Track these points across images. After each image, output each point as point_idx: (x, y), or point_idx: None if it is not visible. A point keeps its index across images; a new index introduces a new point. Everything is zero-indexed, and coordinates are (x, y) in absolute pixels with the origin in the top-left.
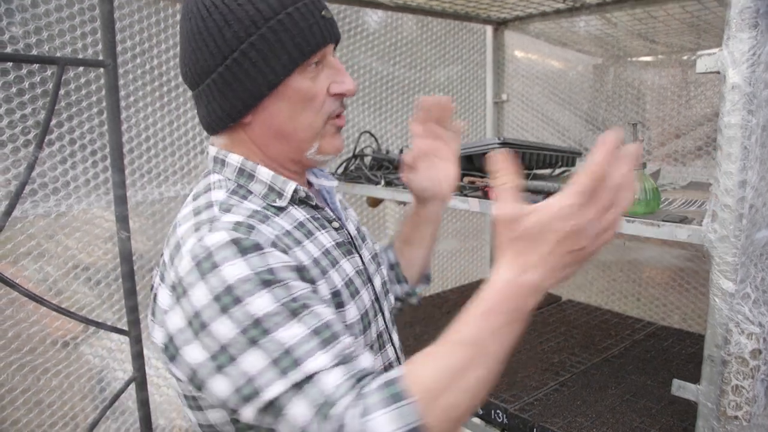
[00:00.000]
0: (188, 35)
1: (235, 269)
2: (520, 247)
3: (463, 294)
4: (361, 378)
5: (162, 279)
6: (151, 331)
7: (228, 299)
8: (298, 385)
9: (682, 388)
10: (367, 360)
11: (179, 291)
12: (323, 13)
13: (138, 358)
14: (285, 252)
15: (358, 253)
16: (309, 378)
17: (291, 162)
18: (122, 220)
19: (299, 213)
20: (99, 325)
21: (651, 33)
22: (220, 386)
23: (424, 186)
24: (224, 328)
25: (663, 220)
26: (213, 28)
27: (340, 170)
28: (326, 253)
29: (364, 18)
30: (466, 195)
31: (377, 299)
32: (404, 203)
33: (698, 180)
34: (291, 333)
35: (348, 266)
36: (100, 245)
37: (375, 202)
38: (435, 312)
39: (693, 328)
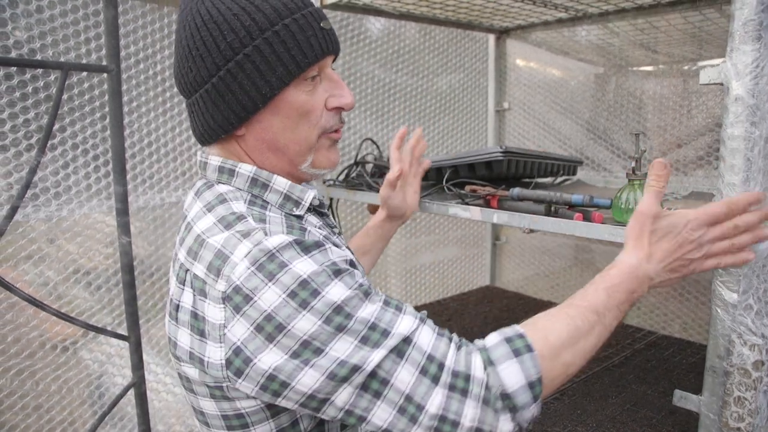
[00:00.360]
0: (183, 44)
1: (304, 265)
2: (650, 239)
3: (464, 302)
4: (446, 334)
5: (203, 294)
6: (201, 352)
7: (305, 293)
8: (397, 350)
9: (683, 399)
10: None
11: (237, 300)
12: (322, 24)
13: (137, 363)
14: (338, 247)
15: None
16: (405, 340)
17: (285, 174)
18: (123, 225)
19: (316, 220)
20: (99, 330)
21: (652, 43)
22: (308, 380)
23: (396, 204)
24: (305, 323)
25: None
26: (207, 37)
27: (341, 177)
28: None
29: (366, 26)
30: (467, 203)
31: None
32: None
33: (699, 190)
34: (369, 311)
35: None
36: (100, 250)
37: (376, 210)
38: (436, 320)
39: (693, 337)
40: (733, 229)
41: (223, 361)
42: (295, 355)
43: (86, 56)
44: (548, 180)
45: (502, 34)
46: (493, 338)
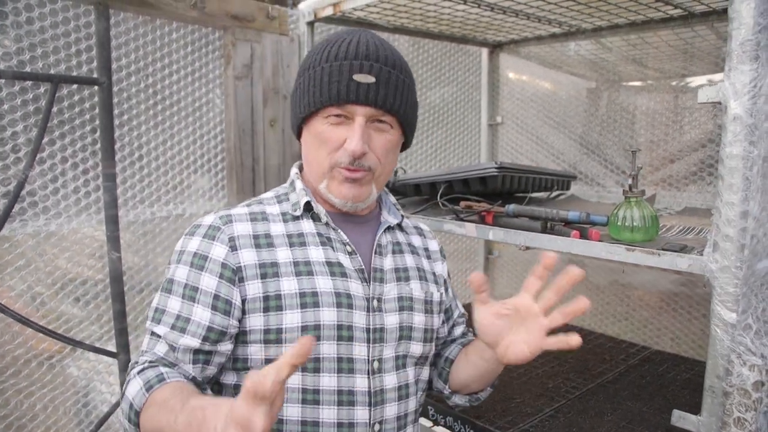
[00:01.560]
0: None
1: (192, 242)
2: None
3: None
4: (158, 360)
5: None
6: None
7: (176, 256)
8: (151, 332)
9: (682, 419)
10: (183, 366)
11: None
12: (355, 77)
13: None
14: (233, 248)
15: (367, 282)
16: (152, 333)
17: (314, 189)
18: (113, 240)
19: (309, 226)
20: (87, 347)
21: (644, 58)
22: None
23: (486, 330)
24: (167, 271)
25: (663, 249)
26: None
27: None
28: (301, 263)
29: None
30: (462, 220)
31: (370, 330)
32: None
33: (693, 205)
34: (172, 304)
35: (325, 283)
36: (90, 264)
37: None
38: None
39: (686, 351)
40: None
41: None
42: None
43: (77, 68)
44: (542, 195)
45: (495, 48)
46: (152, 370)
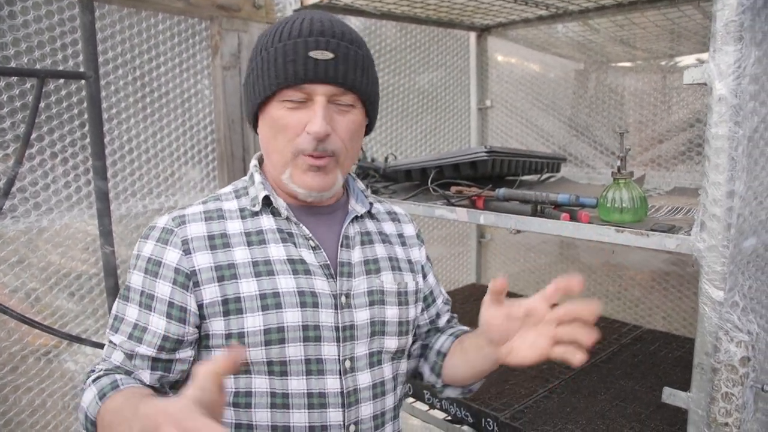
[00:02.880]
0: None
1: (146, 247)
2: None
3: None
4: (114, 368)
5: None
6: None
7: (133, 261)
8: (110, 340)
9: (672, 396)
10: (141, 373)
11: None
12: (312, 53)
13: None
14: (186, 252)
15: (334, 278)
16: (110, 341)
17: (275, 180)
18: (106, 234)
19: (268, 221)
20: (80, 341)
21: (632, 39)
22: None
23: (495, 329)
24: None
25: (652, 230)
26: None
27: None
28: (260, 263)
29: (351, 24)
30: (453, 204)
31: (339, 329)
32: None
33: (682, 185)
34: (129, 312)
35: (287, 282)
36: (83, 257)
37: None
38: None
39: (677, 330)
40: None
41: None
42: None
43: (63, 63)
44: (532, 177)
45: (483, 31)
46: (106, 377)
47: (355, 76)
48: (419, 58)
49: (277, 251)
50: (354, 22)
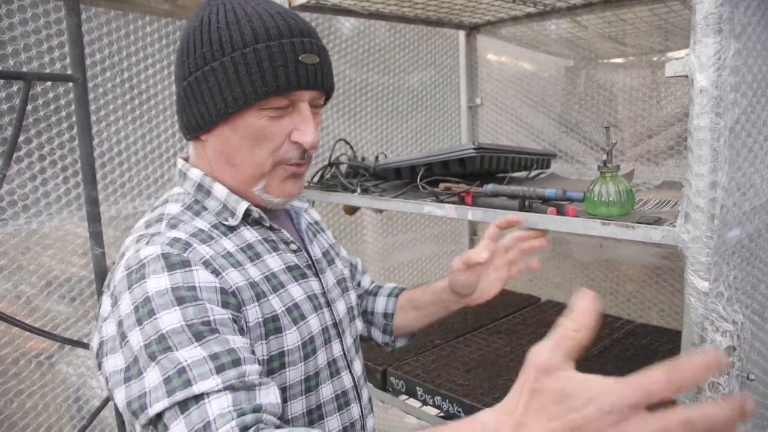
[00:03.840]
0: (180, 38)
1: (156, 282)
2: (528, 402)
3: None
4: (248, 413)
5: (108, 286)
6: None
7: (144, 311)
8: (184, 405)
9: None
10: (267, 395)
11: (113, 299)
12: (301, 57)
13: None
14: (216, 273)
15: (318, 277)
16: (195, 398)
17: (242, 186)
18: (96, 236)
19: (251, 234)
20: (73, 343)
21: (620, 35)
22: (120, 396)
23: (463, 283)
24: (135, 340)
25: (637, 222)
26: (191, 42)
27: (315, 179)
28: (271, 277)
29: (336, 26)
30: (442, 201)
31: (337, 324)
32: (380, 211)
33: (671, 179)
34: (189, 354)
35: (296, 291)
36: (74, 260)
37: (351, 210)
38: None
39: (671, 324)
40: (683, 426)
41: (94, 351)
42: (126, 368)
43: (50, 65)
44: (522, 174)
45: (472, 30)
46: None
47: (331, 79)
48: (408, 58)
49: (273, 262)
50: (344, 23)
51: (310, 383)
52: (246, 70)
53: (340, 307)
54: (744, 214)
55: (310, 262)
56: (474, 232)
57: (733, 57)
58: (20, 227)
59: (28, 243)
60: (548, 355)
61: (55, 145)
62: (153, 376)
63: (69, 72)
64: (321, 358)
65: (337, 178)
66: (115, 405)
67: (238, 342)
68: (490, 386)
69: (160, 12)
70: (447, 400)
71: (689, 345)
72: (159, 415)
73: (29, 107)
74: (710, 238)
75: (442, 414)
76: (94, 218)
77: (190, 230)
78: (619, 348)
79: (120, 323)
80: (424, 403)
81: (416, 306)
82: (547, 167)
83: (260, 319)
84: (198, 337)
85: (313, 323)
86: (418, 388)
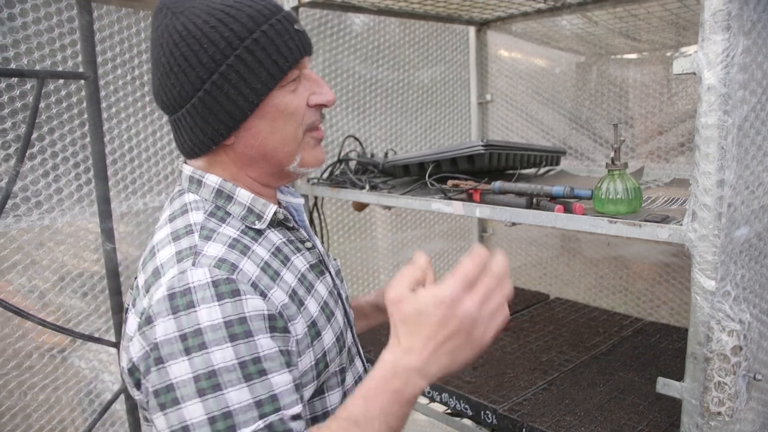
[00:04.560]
0: (162, 62)
1: (208, 313)
2: (403, 330)
3: None
4: None
5: (134, 304)
6: (122, 359)
7: (194, 342)
8: None
9: (666, 386)
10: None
11: (145, 318)
12: (295, 26)
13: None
14: (264, 295)
15: (328, 270)
16: None
17: (272, 178)
18: (107, 231)
19: (276, 236)
20: (86, 338)
21: (632, 31)
22: (160, 424)
23: None
24: (179, 369)
25: (644, 220)
26: (188, 53)
27: (325, 175)
28: (302, 279)
29: (346, 22)
30: (450, 198)
31: (346, 314)
32: (389, 207)
33: (681, 176)
34: (237, 397)
35: (322, 288)
36: (87, 256)
37: (360, 207)
38: None
39: (680, 322)
40: (490, 280)
41: (126, 369)
42: (159, 393)
43: (62, 63)
44: (532, 171)
45: (482, 26)
46: None
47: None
48: (419, 54)
49: (299, 263)
50: (355, 19)
51: (345, 374)
52: (264, 53)
53: (344, 297)
54: (752, 212)
55: (321, 257)
56: (484, 228)
57: (742, 54)
58: (33, 223)
59: (41, 238)
60: (397, 289)
61: (67, 142)
62: (196, 412)
63: (81, 70)
64: (349, 348)
65: (346, 175)
66: (129, 398)
67: (281, 383)
68: (496, 383)
69: None
70: (454, 397)
71: (695, 344)
72: None
73: (42, 105)
74: (717, 237)
75: (449, 411)
76: (106, 215)
77: (226, 240)
78: (627, 346)
79: (156, 346)
80: (432, 399)
81: (365, 314)
82: (557, 164)
83: (306, 329)
84: (247, 378)
85: (339, 316)
86: None
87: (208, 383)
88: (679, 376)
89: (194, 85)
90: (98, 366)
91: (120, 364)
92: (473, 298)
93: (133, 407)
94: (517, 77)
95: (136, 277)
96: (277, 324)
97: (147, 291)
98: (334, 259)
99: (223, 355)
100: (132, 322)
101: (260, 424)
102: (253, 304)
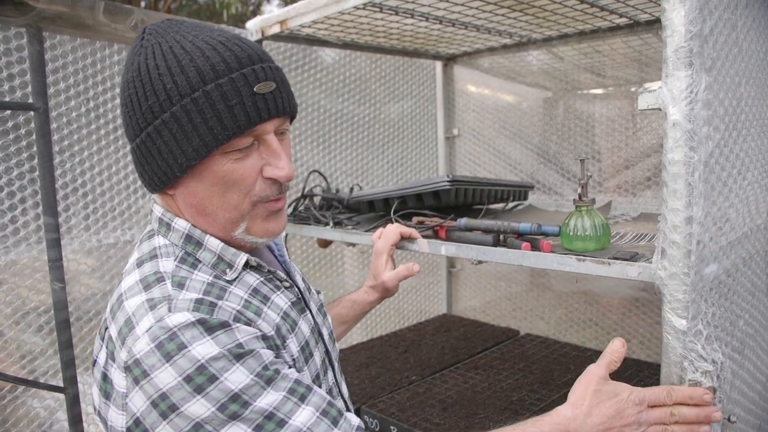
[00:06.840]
0: (121, 92)
1: (204, 348)
2: (592, 399)
3: (421, 332)
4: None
5: (112, 358)
6: (105, 414)
7: (201, 378)
8: None
9: None
10: (341, 404)
11: (137, 373)
12: (257, 88)
13: (75, 418)
14: (249, 324)
15: (308, 308)
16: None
17: (220, 237)
18: (56, 269)
19: (252, 277)
20: (31, 384)
21: (597, 67)
22: None
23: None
24: (199, 408)
25: (613, 258)
26: (134, 96)
27: (289, 211)
28: (285, 316)
29: (312, 55)
30: None
31: (327, 352)
32: (353, 245)
33: (648, 211)
34: (269, 400)
35: (304, 326)
36: (31, 297)
37: (325, 243)
38: (391, 352)
39: (651, 357)
40: (669, 415)
41: (125, 429)
42: None
43: (10, 94)
44: (500, 206)
45: (449, 60)
46: None
47: (292, 99)
48: (386, 88)
49: (280, 301)
50: (327, 52)
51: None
52: (200, 116)
53: (325, 334)
54: (721, 248)
55: (301, 295)
56: (452, 264)
57: (705, 91)
58: None
59: None
60: (604, 369)
61: (13, 176)
62: (239, 429)
63: (30, 101)
64: (323, 388)
65: (310, 211)
66: None
67: (295, 373)
68: (466, 425)
69: (128, 40)
70: None
71: (669, 384)
72: None
73: None
74: (687, 275)
75: None
76: (55, 251)
77: (200, 287)
78: None
79: (162, 396)
80: None
81: (344, 321)
82: (525, 199)
83: (298, 349)
84: (268, 382)
85: (317, 357)
86: (392, 427)
87: (237, 405)
88: None
89: (134, 131)
90: (53, 405)
91: (109, 423)
92: (653, 413)
93: None
94: (485, 112)
95: (107, 328)
96: (271, 344)
97: (123, 343)
98: (318, 292)
99: (237, 377)
100: (118, 378)
101: (308, 404)
102: (244, 330)
